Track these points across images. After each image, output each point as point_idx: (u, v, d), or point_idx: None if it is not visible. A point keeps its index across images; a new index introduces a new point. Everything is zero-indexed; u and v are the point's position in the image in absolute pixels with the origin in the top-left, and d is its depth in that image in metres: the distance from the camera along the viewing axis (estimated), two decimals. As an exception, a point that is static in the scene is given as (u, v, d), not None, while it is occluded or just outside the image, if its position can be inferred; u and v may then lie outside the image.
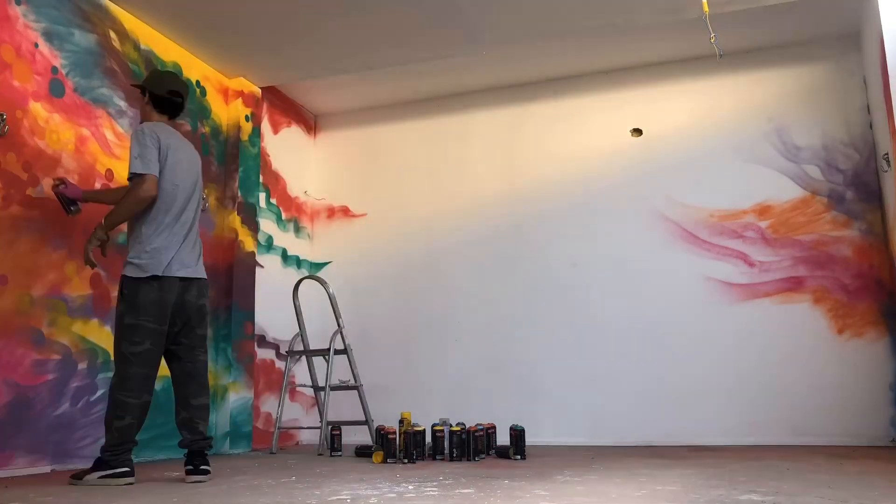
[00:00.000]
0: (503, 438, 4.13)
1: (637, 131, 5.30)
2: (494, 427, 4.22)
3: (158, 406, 4.19)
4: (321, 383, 4.66)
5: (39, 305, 3.49)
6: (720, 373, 4.77)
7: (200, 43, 4.65)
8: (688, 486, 2.50)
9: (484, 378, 5.26)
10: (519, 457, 3.84)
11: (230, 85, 5.12)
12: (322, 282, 4.88)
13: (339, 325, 4.68)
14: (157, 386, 4.16)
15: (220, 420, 4.65)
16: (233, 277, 4.84)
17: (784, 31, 4.88)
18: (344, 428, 4.42)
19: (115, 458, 2.86)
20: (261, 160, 5.26)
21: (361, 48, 4.79)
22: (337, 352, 4.59)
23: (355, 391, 4.62)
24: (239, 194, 4.95)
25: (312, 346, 4.91)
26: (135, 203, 2.95)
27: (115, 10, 4.17)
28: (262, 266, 5.20)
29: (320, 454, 4.36)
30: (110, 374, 3.84)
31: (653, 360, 4.92)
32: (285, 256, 5.59)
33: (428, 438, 3.91)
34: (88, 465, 2.98)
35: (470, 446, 3.80)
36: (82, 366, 3.70)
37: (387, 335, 5.58)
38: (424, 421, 4.04)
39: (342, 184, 6.03)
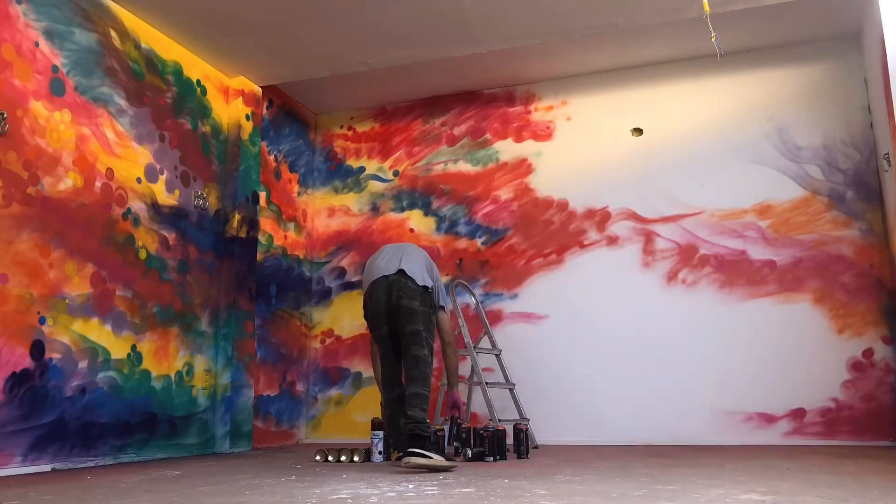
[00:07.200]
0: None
1: (637, 131, 5.30)
2: (504, 430, 3.81)
3: (158, 406, 4.21)
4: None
5: (39, 304, 3.49)
6: (720, 372, 4.77)
7: (201, 42, 4.65)
8: (688, 486, 2.50)
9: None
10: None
11: (230, 84, 5.11)
12: (469, 288, 5.07)
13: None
14: (157, 385, 4.21)
15: (220, 419, 4.65)
16: (233, 277, 4.85)
17: (784, 31, 4.88)
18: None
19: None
20: (261, 159, 5.26)
21: (361, 48, 4.78)
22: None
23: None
24: (239, 193, 4.95)
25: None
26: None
27: (116, 8, 4.17)
28: (262, 265, 5.21)
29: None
30: (110, 373, 3.87)
31: (653, 359, 4.91)
32: (285, 256, 5.59)
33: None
34: (88, 464, 2.98)
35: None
36: (82, 365, 3.70)
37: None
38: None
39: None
